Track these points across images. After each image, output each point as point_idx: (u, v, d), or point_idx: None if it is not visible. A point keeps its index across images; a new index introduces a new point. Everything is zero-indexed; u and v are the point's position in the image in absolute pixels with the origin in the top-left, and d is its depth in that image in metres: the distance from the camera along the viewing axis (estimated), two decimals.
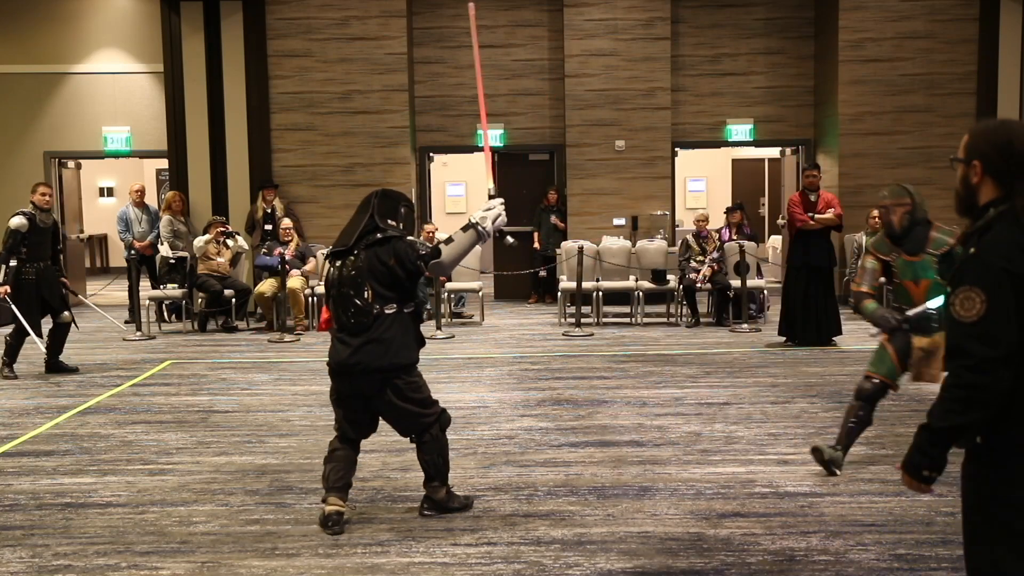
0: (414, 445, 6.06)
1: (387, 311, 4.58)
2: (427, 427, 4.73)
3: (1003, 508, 2.44)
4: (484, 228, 4.69)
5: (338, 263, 4.66)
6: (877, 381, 5.36)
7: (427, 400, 4.74)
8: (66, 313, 8.71)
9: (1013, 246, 2.42)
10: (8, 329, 8.76)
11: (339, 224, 12.69)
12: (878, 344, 5.41)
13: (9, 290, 8.46)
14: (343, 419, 4.74)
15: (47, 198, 8.68)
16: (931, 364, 5.14)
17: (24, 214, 8.55)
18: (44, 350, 8.70)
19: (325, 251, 11.80)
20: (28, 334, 8.53)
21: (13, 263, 8.49)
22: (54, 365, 8.77)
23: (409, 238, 4.68)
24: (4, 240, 8.56)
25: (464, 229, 4.71)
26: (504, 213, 4.75)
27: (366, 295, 4.56)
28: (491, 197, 4.81)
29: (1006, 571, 2.44)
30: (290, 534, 4.61)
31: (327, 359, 4.71)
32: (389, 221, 4.67)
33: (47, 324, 8.79)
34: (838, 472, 5.34)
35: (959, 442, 2.50)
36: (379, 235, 4.62)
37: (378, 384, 4.59)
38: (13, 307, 8.46)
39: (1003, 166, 2.50)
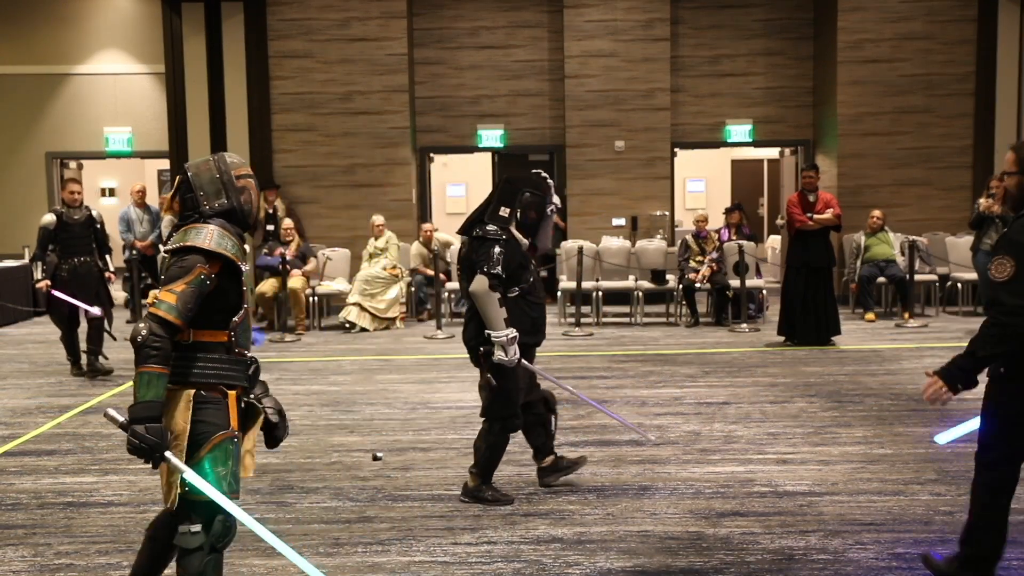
0: (417, 445, 6.07)
1: None
2: (492, 417, 4.90)
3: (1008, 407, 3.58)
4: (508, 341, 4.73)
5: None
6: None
7: (507, 393, 4.84)
8: (94, 309, 8.54)
9: None
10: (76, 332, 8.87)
11: (340, 224, 12.92)
12: None
13: (50, 283, 8.56)
14: None
15: (74, 195, 8.79)
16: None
17: (53, 211, 8.74)
18: (106, 330, 8.73)
19: (327, 251, 11.88)
20: (72, 330, 8.69)
21: (52, 259, 8.61)
22: (91, 365, 8.73)
23: (496, 249, 4.75)
24: (37, 237, 8.74)
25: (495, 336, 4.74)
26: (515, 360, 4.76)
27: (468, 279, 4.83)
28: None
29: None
30: (291, 533, 4.62)
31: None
32: (501, 211, 4.83)
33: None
34: None
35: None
36: (477, 231, 4.82)
37: (475, 358, 4.89)
38: (59, 295, 8.51)
39: None
